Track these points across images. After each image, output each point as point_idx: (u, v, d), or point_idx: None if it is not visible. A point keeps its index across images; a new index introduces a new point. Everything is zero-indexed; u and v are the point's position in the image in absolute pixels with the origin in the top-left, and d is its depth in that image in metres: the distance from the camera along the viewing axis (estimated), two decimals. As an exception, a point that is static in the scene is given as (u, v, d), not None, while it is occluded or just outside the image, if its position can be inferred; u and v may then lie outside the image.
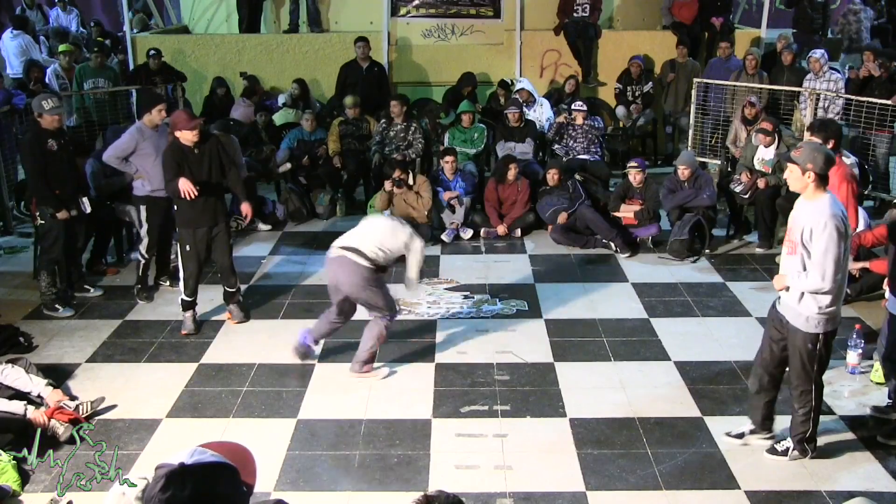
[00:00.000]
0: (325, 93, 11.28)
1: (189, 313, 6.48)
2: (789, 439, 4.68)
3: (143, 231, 7.05)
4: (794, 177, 4.31)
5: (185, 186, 6.00)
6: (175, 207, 6.32)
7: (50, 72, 10.70)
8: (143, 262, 7.06)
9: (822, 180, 4.27)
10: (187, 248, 6.30)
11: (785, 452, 4.68)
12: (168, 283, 7.28)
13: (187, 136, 6.15)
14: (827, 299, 4.30)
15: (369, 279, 5.51)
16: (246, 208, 6.57)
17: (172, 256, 7.25)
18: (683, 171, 8.11)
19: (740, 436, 4.87)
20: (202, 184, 6.15)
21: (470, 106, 9.69)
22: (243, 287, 7.26)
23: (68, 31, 13.41)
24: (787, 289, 4.42)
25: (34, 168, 6.57)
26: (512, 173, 8.61)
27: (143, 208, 6.99)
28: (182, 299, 6.45)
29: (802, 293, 4.33)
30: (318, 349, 6.02)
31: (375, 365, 5.78)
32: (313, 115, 9.74)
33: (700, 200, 8.05)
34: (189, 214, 6.23)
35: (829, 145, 5.63)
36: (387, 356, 6.01)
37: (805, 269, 4.28)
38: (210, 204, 6.27)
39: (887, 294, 5.14)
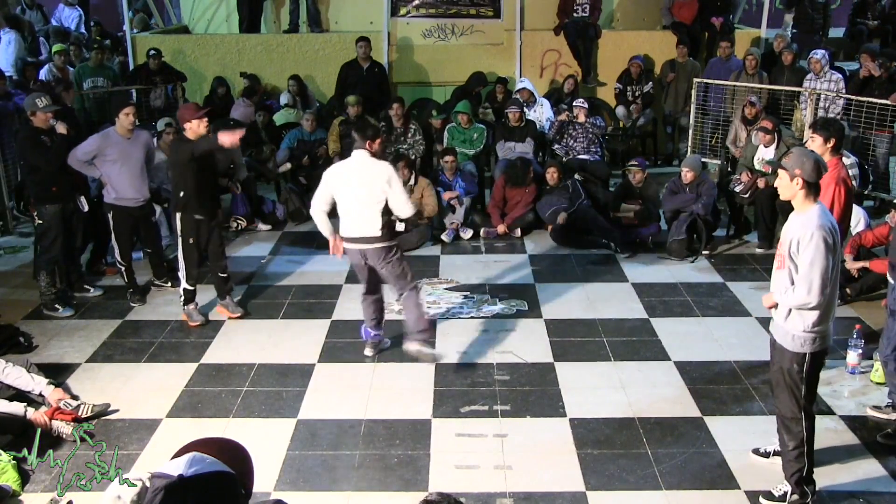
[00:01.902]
0: (325, 93, 11.28)
1: (192, 305, 6.58)
2: (785, 482, 4.34)
3: (113, 239, 6.95)
4: (783, 184, 4.13)
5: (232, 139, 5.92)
6: (180, 197, 6.28)
7: (44, 72, 10.69)
8: (123, 268, 6.98)
9: (811, 188, 4.07)
10: (190, 240, 6.37)
11: (783, 498, 4.32)
12: (169, 283, 7.21)
13: (194, 128, 6.13)
14: (814, 316, 4.08)
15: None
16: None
17: (171, 257, 7.22)
18: (686, 174, 8.11)
19: (767, 455, 4.68)
20: (213, 177, 6.36)
21: (466, 106, 9.63)
22: (244, 287, 7.32)
23: (69, 31, 13.40)
24: (777, 306, 4.23)
25: (36, 161, 6.58)
26: (530, 178, 8.64)
27: (109, 216, 6.85)
28: (185, 289, 6.52)
29: (790, 310, 4.14)
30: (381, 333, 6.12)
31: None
32: (314, 116, 9.74)
33: (695, 207, 8.04)
34: (195, 207, 6.28)
35: (830, 144, 5.60)
36: (387, 356, 6.02)
37: (792, 283, 4.08)
38: (216, 197, 6.53)
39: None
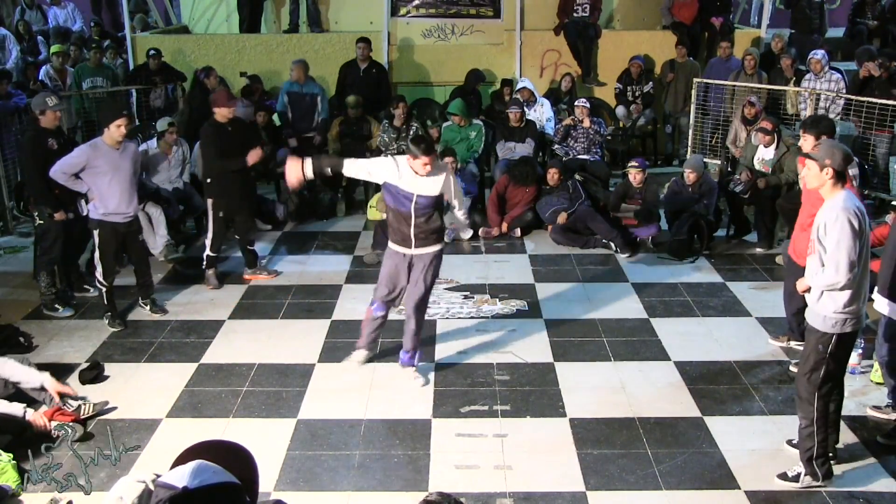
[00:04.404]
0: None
1: (212, 271, 7.31)
2: (800, 464, 4.46)
3: (97, 257, 6.46)
4: (812, 173, 4.26)
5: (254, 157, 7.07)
6: (208, 181, 7.13)
7: (42, 73, 10.68)
8: (104, 290, 6.50)
9: (839, 177, 4.21)
10: (220, 213, 7.16)
11: (796, 478, 4.44)
12: (148, 307, 6.81)
13: (225, 114, 7.00)
14: (845, 297, 4.20)
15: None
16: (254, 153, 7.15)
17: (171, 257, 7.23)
18: (689, 175, 8.13)
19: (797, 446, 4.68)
20: (236, 157, 6.97)
21: (456, 107, 9.38)
22: (244, 287, 7.35)
23: (69, 31, 13.41)
24: (810, 290, 4.36)
25: (33, 168, 6.54)
26: (533, 178, 8.65)
27: (95, 233, 6.39)
28: (207, 255, 7.26)
29: (822, 292, 4.26)
30: None
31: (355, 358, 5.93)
32: (299, 65, 9.89)
33: (697, 207, 8.05)
34: (223, 185, 7.06)
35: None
36: (387, 356, 6.02)
37: (823, 266, 4.22)
38: (240, 175, 7.12)
39: (875, 295, 5.13)
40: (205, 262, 7.31)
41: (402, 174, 5.32)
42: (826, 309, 4.27)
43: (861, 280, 4.24)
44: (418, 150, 5.22)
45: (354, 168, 5.50)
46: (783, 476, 4.50)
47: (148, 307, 6.82)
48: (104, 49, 11.36)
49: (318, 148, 9.63)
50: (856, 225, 4.11)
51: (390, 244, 5.58)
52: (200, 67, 10.47)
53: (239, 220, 7.38)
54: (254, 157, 7.07)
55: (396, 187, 5.35)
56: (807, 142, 5.78)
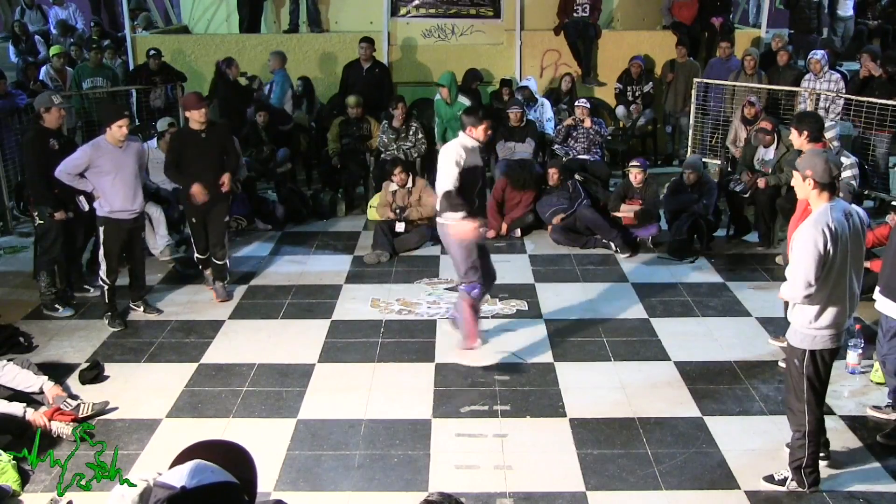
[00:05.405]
0: (324, 93, 11.27)
1: (209, 271, 7.15)
2: (787, 469, 4.46)
3: (101, 255, 6.48)
4: (797, 184, 4.22)
5: (196, 190, 6.62)
6: (180, 187, 7.01)
7: (43, 73, 10.69)
8: (106, 287, 6.51)
9: (824, 188, 4.12)
10: (193, 220, 6.97)
11: (783, 482, 4.45)
12: (141, 308, 6.81)
13: (195, 117, 6.67)
14: (811, 312, 4.14)
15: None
16: (226, 178, 6.80)
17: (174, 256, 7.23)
18: (689, 176, 8.13)
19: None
20: (206, 164, 6.69)
21: (445, 79, 9.38)
22: (244, 287, 7.34)
23: (74, 26, 13.42)
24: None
25: (35, 167, 6.55)
26: (532, 181, 8.65)
27: (101, 230, 6.41)
28: (197, 258, 7.13)
29: (794, 304, 4.23)
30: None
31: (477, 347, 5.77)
32: (274, 55, 10.37)
33: (697, 207, 8.05)
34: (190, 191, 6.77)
35: (804, 136, 5.72)
36: (387, 356, 6.02)
37: None
38: (211, 182, 6.74)
39: (876, 295, 5.12)
40: (199, 266, 7.23)
41: (467, 155, 5.41)
42: (796, 322, 4.24)
43: (834, 299, 4.12)
44: (476, 118, 5.46)
45: (454, 185, 5.39)
46: (769, 479, 4.50)
47: (141, 308, 6.81)
48: (104, 49, 11.36)
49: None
50: (820, 245, 3.99)
51: (472, 221, 5.45)
52: (222, 59, 10.39)
53: (209, 226, 6.94)
54: (225, 182, 6.80)
55: (473, 168, 5.46)
56: (793, 136, 5.87)
